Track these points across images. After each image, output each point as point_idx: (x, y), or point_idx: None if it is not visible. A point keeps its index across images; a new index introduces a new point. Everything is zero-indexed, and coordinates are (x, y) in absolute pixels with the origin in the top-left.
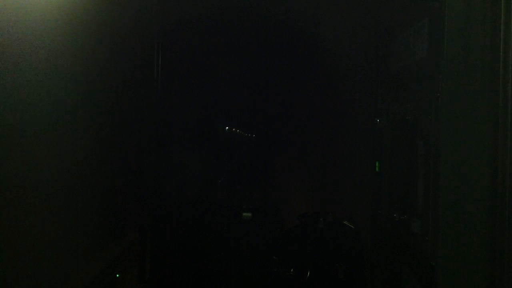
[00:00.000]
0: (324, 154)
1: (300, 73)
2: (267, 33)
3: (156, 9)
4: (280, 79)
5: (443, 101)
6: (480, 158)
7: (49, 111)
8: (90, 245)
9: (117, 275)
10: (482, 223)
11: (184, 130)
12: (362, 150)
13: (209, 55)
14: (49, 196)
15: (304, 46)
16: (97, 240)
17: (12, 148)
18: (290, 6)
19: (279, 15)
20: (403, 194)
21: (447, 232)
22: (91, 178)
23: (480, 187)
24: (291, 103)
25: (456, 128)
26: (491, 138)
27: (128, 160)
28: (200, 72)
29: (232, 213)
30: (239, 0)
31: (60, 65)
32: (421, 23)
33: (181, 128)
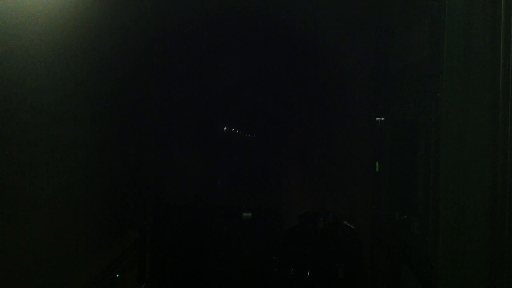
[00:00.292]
0: (324, 154)
1: (300, 73)
2: (267, 33)
3: (156, 9)
4: (280, 79)
5: (443, 101)
6: (480, 158)
7: (49, 112)
8: (90, 245)
9: (117, 275)
10: (482, 223)
11: (184, 130)
12: (362, 150)
13: (209, 55)
14: (49, 196)
15: (304, 46)
16: (97, 240)
17: (12, 148)
18: (290, 6)
19: (279, 15)
20: (403, 194)
21: (447, 232)
22: (91, 178)
23: (480, 187)
24: (291, 103)
25: (456, 128)
26: (491, 138)
27: (128, 160)
28: (200, 72)
29: (232, 213)
30: (239, 0)
31: (60, 66)
32: (421, 23)
33: (181, 128)
